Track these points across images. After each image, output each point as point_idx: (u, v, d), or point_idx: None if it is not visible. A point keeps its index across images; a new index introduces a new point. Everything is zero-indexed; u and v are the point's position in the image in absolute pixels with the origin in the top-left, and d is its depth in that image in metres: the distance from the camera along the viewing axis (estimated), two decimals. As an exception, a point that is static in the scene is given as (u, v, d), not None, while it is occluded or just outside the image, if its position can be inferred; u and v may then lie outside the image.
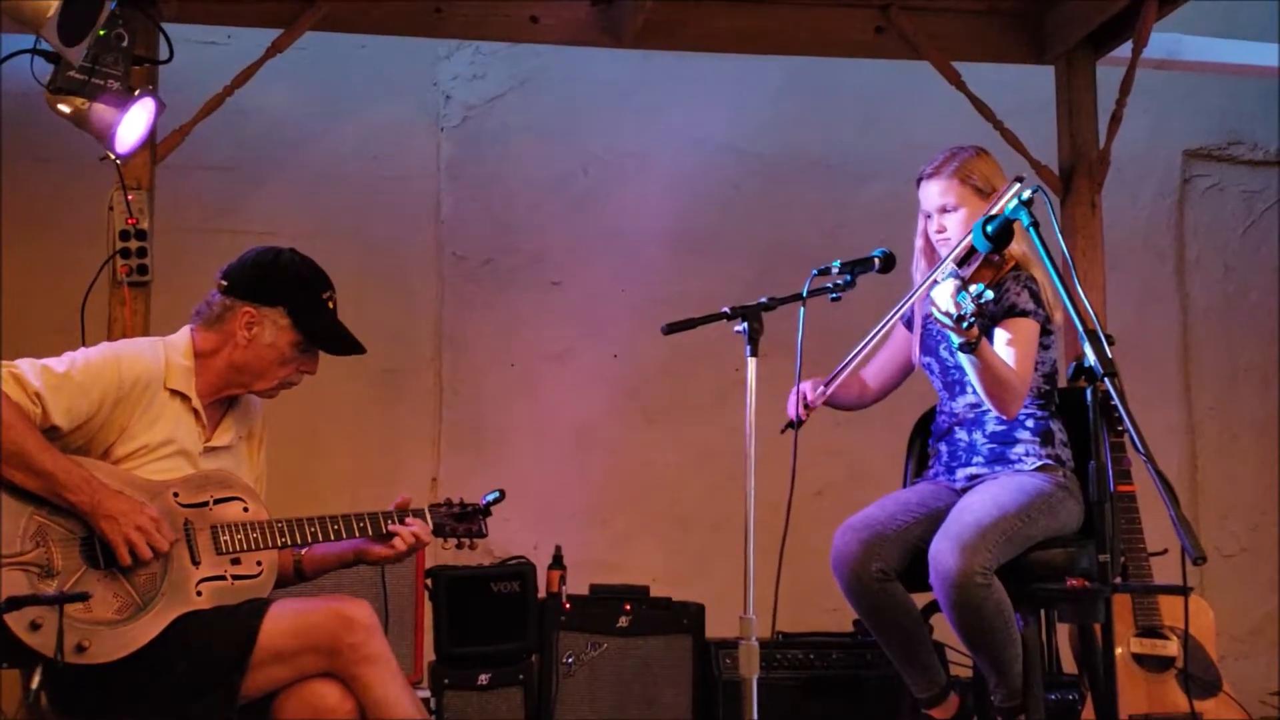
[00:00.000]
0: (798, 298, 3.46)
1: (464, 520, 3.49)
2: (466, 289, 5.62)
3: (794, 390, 3.77)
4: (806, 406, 3.75)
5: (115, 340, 3.56)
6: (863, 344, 3.69)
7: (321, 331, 3.33)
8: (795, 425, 3.73)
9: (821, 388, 3.76)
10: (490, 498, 3.54)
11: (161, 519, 3.05)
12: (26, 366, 3.04)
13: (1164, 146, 6.18)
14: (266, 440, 3.50)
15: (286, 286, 3.29)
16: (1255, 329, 6.19)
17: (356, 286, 5.40)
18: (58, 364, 3.09)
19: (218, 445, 3.29)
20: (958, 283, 3.32)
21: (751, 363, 3.32)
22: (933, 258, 3.86)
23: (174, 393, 3.21)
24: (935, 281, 3.47)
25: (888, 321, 3.67)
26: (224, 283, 3.30)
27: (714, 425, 5.48)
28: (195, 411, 3.24)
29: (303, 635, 3.01)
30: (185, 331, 3.32)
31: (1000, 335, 3.69)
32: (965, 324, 3.31)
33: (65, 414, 3.04)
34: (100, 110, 3.83)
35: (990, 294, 3.27)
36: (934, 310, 3.38)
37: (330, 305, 3.35)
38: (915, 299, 3.73)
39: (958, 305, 3.29)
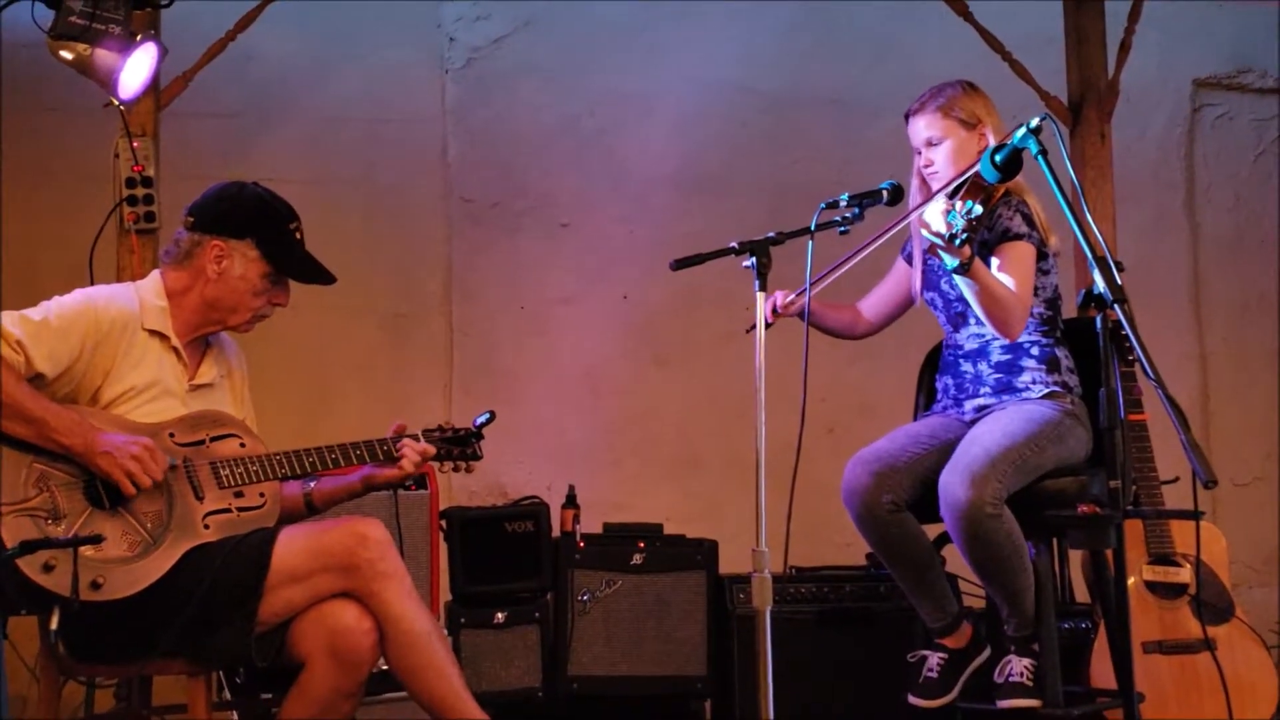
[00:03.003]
0: (805, 231, 3.45)
1: (458, 443, 3.51)
2: (475, 232, 5.61)
3: (774, 294, 3.79)
4: (775, 312, 3.77)
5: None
6: (841, 259, 3.68)
7: (291, 261, 3.34)
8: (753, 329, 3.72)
9: (791, 296, 3.77)
10: (481, 419, 3.54)
11: (155, 447, 3.06)
12: (3, 317, 3.05)
13: (1173, 76, 6.14)
14: (248, 380, 3.51)
15: (253, 218, 3.31)
16: (1267, 258, 6.17)
17: (364, 231, 5.46)
18: (34, 312, 3.10)
19: (202, 383, 3.32)
20: (948, 202, 3.32)
21: (760, 298, 3.31)
22: (927, 194, 3.86)
23: (152, 333, 3.23)
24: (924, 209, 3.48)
25: (870, 244, 3.66)
26: (190, 219, 3.32)
27: (725, 364, 5.47)
28: (176, 350, 3.26)
29: (318, 554, 3.03)
30: (155, 274, 3.34)
31: (996, 260, 3.70)
32: (957, 242, 3.32)
33: (48, 360, 3.06)
34: (102, 56, 3.82)
35: (980, 209, 3.29)
36: (925, 232, 3.39)
37: (297, 236, 3.36)
38: (904, 224, 3.75)
39: (949, 225, 3.30)
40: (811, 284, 3.68)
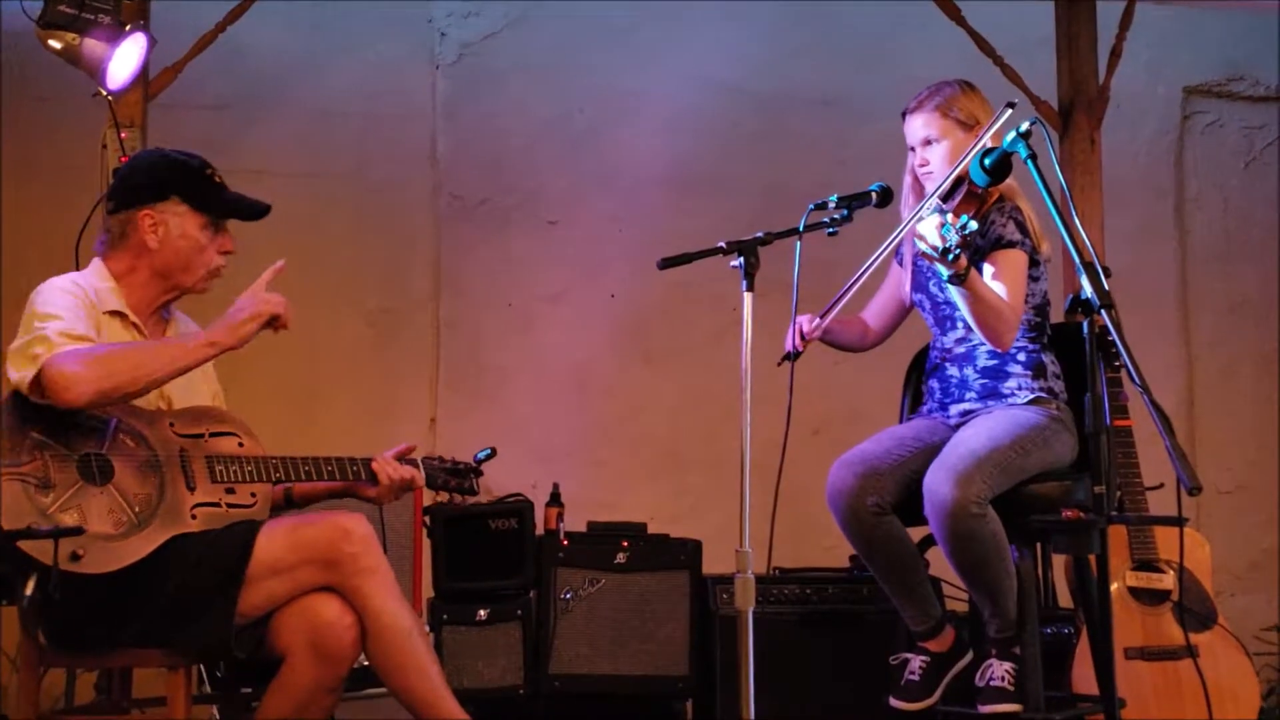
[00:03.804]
0: (794, 232, 3.45)
1: (456, 475, 3.51)
2: (463, 229, 5.60)
3: (792, 323, 3.78)
4: (803, 339, 3.77)
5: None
6: (854, 278, 3.69)
7: (220, 203, 3.33)
8: (792, 357, 3.76)
9: (817, 320, 3.77)
10: (482, 455, 3.56)
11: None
12: (36, 331, 3.02)
13: (1164, 82, 6.15)
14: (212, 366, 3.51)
15: (169, 177, 3.30)
16: (1254, 265, 6.18)
17: (353, 226, 5.46)
18: (49, 321, 3.05)
19: None
20: (941, 216, 3.32)
21: (748, 298, 3.29)
22: (921, 193, 3.86)
23: (111, 314, 3.22)
24: (921, 216, 3.47)
25: (878, 257, 3.67)
26: (111, 204, 3.33)
27: (712, 364, 5.47)
28: (136, 327, 3.26)
29: (300, 547, 3.03)
30: (95, 262, 3.33)
31: (989, 268, 3.70)
32: (951, 256, 3.32)
33: (88, 330, 3.08)
34: (91, 45, 3.82)
35: (974, 225, 3.29)
36: (919, 244, 3.39)
37: (216, 180, 3.35)
38: (904, 233, 3.74)
39: (942, 238, 3.30)
40: (825, 311, 3.73)
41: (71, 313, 3.08)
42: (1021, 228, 3.74)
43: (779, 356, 3.75)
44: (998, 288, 3.65)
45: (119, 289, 3.26)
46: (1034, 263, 3.78)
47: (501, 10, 5.67)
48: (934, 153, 3.83)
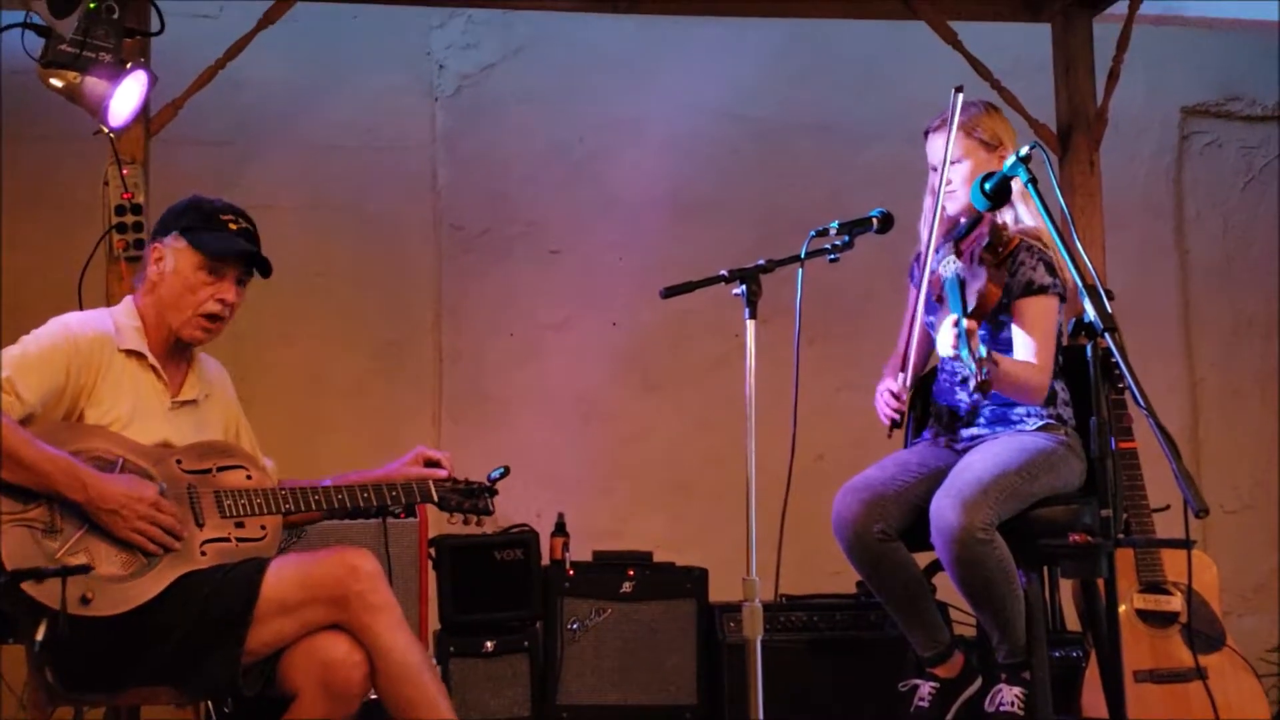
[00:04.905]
0: (796, 259, 3.44)
1: (470, 497, 3.50)
2: (465, 259, 5.61)
3: (879, 394, 3.80)
4: (897, 399, 3.76)
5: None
6: (908, 325, 3.74)
7: (214, 243, 3.25)
8: (899, 425, 3.77)
9: (902, 376, 3.77)
10: (496, 474, 3.54)
11: (159, 499, 3.05)
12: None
13: (1162, 104, 6.16)
14: (236, 401, 3.50)
15: (180, 214, 3.30)
16: (1256, 284, 6.17)
17: (355, 258, 5.47)
18: (13, 348, 3.09)
19: (185, 399, 3.29)
20: (956, 331, 3.34)
21: (750, 325, 3.29)
22: (941, 214, 3.83)
23: (129, 354, 3.21)
24: (937, 250, 3.47)
25: (919, 300, 3.69)
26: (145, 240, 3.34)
27: (715, 391, 5.47)
28: (154, 369, 3.25)
29: (308, 585, 3.02)
30: (127, 299, 3.35)
31: (1020, 315, 3.69)
32: (970, 385, 3.33)
33: (36, 391, 3.05)
34: (92, 84, 3.83)
35: (984, 351, 3.34)
36: (940, 347, 3.45)
37: (231, 227, 3.29)
38: (920, 246, 3.75)
39: (959, 359, 3.33)
40: (903, 365, 3.78)
41: (30, 358, 3.07)
42: (1050, 269, 3.72)
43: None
44: (1028, 341, 3.65)
45: (143, 329, 3.26)
46: (1061, 300, 3.77)
47: (500, 41, 5.69)
48: (956, 172, 3.83)
